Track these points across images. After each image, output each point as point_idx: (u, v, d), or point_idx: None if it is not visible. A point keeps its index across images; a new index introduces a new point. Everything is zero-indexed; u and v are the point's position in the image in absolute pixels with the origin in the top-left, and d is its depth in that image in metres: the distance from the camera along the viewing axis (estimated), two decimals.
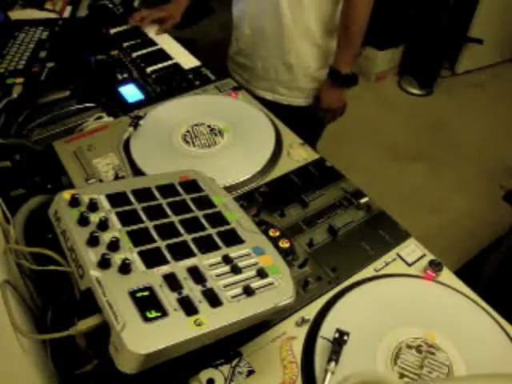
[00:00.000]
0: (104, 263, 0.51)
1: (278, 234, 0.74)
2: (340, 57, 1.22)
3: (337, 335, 0.59)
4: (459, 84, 2.91)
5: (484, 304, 0.67)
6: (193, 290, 0.51)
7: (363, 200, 0.81)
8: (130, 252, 0.54)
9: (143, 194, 0.64)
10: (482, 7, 2.62)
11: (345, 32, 1.19)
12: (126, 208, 0.61)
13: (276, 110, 1.03)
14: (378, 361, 0.60)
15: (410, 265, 0.72)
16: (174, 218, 0.62)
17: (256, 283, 0.54)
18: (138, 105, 1.03)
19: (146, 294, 0.50)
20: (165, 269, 0.53)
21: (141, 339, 0.45)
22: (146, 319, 0.47)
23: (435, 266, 0.70)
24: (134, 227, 0.58)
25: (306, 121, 1.32)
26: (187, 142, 0.90)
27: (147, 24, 1.33)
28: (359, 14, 1.16)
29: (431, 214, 2.08)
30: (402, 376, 0.58)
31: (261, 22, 1.23)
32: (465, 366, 0.59)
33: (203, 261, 0.56)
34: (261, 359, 0.60)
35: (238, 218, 0.65)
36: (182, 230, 0.60)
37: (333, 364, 0.57)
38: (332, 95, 1.28)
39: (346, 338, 0.59)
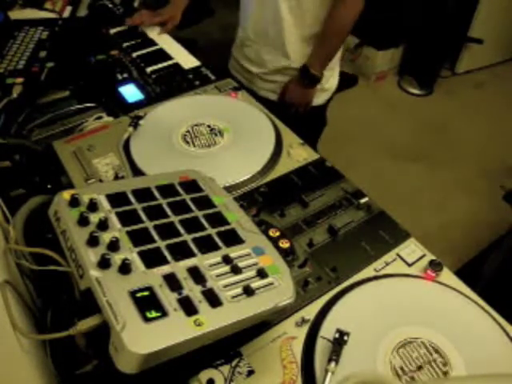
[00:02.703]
0: (104, 263, 0.51)
1: (278, 234, 0.74)
2: (313, 57, 1.24)
3: (337, 335, 0.59)
4: (459, 84, 2.91)
5: (484, 304, 0.67)
6: (193, 290, 0.51)
7: (363, 200, 0.81)
8: (129, 252, 0.54)
9: (143, 194, 0.64)
10: (482, 7, 2.62)
11: (325, 35, 1.20)
12: (126, 208, 0.61)
13: (279, 109, 1.03)
14: (377, 361, 0.60)
15: (410, 265, 0.72)
16: (174, 218, 0.62)
17: (256, 283, 0.54)
18: (138, 105, 1.03)
19: (146, 294, 0.50)
20: (165, 269, 0.53)
21: (141, 339, 0.45)
22: (146, 319, 0.47)
23: (435, 266, 0.70)
24: (134, 227, 0.58)
25: (307, 120, 1.33)
26: (187, 142, 0.90)
27: (147, 27, 1.33)
28: (342, 23, 1.18)
29: (431, 213, 2.08)
30: (400, 375, 0.58)
31: (263, 26, 1.24)
32: (465, 366, 0.59)
33: (203, 261, 0.56)
34: (261, 359, 0.60)
35: (238, 218, 0.65)
36: (182, 230, 0.60)
37: (333, 364, 0.57)
38: (296, 91, 1.29)
39: (346, 338, 0.59)
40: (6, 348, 0.51)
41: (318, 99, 1.35)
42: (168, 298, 0.50)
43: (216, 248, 0.59)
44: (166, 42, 1.28)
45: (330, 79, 1.34)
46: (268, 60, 1.29)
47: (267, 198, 0.82)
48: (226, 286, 0.53)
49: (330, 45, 1.23)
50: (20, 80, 1.04)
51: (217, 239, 0.60)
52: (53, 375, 0.61)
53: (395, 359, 0.60)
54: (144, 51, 1.23)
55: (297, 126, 0.99)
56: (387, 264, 0.72)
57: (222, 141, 0.91)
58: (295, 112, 1.32)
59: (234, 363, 0.60)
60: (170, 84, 1.11)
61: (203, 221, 0.63)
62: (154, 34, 1.32)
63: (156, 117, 0.96)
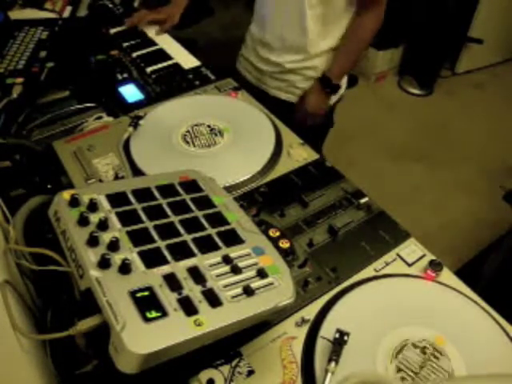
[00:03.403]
0: (104, 263, 0.51)
1: (278, 234, 0.74)
2: (336, 67, 1.24)
3: (337, 335, 0.59)
4: (459, 84, 2.91)
5: (484, 304, 0.67)
6: (193, 290, 0.51)
7: (363, 200, 0.81)
8: (129, 252, 0.54)
9: (143, 194, 0.64)
10: (482, 7, 2.62)
11: (347, 45, 1.21)
12: (126, 208, 0.61)
13: (288, 109, 1.03)
14: (377, 361, 0.60)
15: (410, 265, 0.72)
16: (174, 218, 0.62)
17: (256, 283, 0.54)
18: (138, 105, 1.03)
19: (146, 294, 0.50)
20: (165, 269, 0.53)
21: (141, 339, 0.45)
22: (146, 319, 0.47)
23: (435, 266, 0.70)
24: (134, 227, 0.58)
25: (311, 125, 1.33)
26: (187, 142, 0.90)
27: (144, 25, 1.33)
28: (364, 38, 1.20)
29: (431, 214, 2.08)
30: (400, 376, 0.58)
31: (283, 31, 1.22)
32: (465, 366, 0.59)
33: (203, 261, 0.56)
34: (261, 359, 0.60)
35: (238, 218, 0.65)
36: (182, 230, 0.60)
37: (333, 364, 0.57)
38: (318, 101, 1.29)
39: (346, 338, 0.59)
40: (6, 348, 0.51)
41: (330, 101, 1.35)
42: (168, 298, 0.49)
43: (216, 248, 0.59)
44: (165, 42, 1.28)
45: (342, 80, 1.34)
46: (285, 61, 1.27)
47: (267, 198, 0.82)
48: (225, 286, 0.53)
49: (353, 55, 1.23)
50: (20, 80, 1.04)
51: (217, 239, 0.60)
52: (53, 375, 0.61)
53: (395, 359, 0.60)
54: (144, 51, 1.23)
55: (303, 128, 0.98)
56: (387, 264, 0.72)
57: (222, 141, 0.91)
58: (313, 121, 1.32)
59: (234, 363, 0.60)
60: (169, 84, 1.11)
61: (203, 221, 0.63)
62: (153, 33, 1.32)
63: (156, 117, 0.96)
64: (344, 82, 1.37)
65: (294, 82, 1.30)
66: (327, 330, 0.61)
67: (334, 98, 1.36)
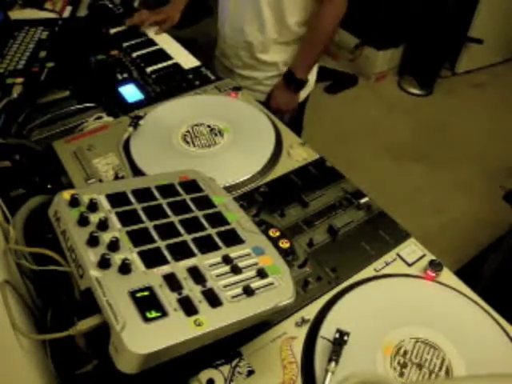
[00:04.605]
0: (104, 263, 0.51)
1: (278, 234, 0.74)
2: (299, 62, 1.24)
3: (337, 335, 0.59)
4: (459, 84, 2.91)
5: (484, 304, 0.67)
6: (193, 290, 0.51)
7: (363, 200, 0.81)
8: (129, 252, 0.54)
9: (143, 194, 0.64)
10: (482, 7, 2.62)
11: (309, 40, 1.21)
12: (126, 208, 0.61)
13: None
14: (377, 361, 0.60)
15: (410, 265, 0.72)
16: (174, 218, 0.62)
17: (256, 283, 0.54)
18: (138, 105, 1.03)
19: (146, 294, 0.50)
20: (165, 269, 0.53)
21: (141, 339, 0.45)
22: (146, 319, 0.47)
23: (435, 266, 0.70)
24: (134, 227, 0.58)
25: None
26: (187, 142, 0.90)
27: (146, 27, 1.33)
28: (326, 28, 1.19)
29: (431, 214, 2.07)
30: (400, 375, 0.58)
31: (241, 22, 1.24)
32: (465, 366, 0.59)
33: (203, 261, 0.56)
34: (261, 359, 0.60)
35: (238, 218, 0.65)
36: (182, 230, 0.60)
37: (333, 364, 0.57)
38: (282, 97, 1.29)
39: (346, 338, 0.59)
40: (6, 348, 0.51)
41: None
42: (168, 298, 0.49)
43: (216, 248, 0.59)
44: (165, 42, 1.28)
45: (309, 76, 1.34)
46: (244, 55, 1.29)
47: (267, 198, 0.82)
48: (225, 286, 0.53)
49: (315, 49, 1.23)
50: (20, 80, 1.04)
51: (217, 239, 0.60)
52: (53, 375, 0.61)
53: (395, 359, 0.60)
54: (144, 51, 1.24)
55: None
56: (387, 264, 0.72)
57: (222, 141, 0.91)
58: (281, 118, 1.32)
59: (234, 363, 0.60)
60: (169, 84, 1.11)
61: (203, 221, 0.63)
62: (153, 33, 1.32)
63: (156, 117, 0.96)
64: (312, 78, 1.36)
65: (259, 80, 1.30)
66: (327, 330, 0.61)
67: (303, 94, 1.35)
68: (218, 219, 0.64)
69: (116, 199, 0.62)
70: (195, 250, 0.57)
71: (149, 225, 0.59)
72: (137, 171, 0.83)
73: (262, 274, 0.56)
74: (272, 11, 1.18)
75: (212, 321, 0.49)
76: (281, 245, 0.72)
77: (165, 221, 0.61)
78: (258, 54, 1.27)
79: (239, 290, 0.53)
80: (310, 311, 0.66)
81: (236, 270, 0.55)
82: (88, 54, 1.18)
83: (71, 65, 1.14)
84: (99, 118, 0.98)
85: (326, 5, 1.15)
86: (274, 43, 1.24)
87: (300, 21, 1.21)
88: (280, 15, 1.19)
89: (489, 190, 2.18)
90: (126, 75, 1.14)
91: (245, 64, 1.31)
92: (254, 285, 0.54)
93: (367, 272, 0.71)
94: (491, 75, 2.97)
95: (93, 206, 0.59)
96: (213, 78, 1.13)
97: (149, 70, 1.16)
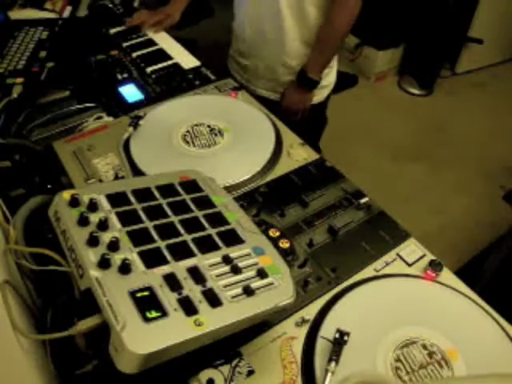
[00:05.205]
0: (104, 263, 0.51)
1: (278, 234, 0.74)
2: (311, 61, 1.24)
3: (337, 335, 0.59)
4: (459, 84, 2.91)
5: (484, 304, 0.67)
6: (193, 290, 0.51)
7: (363, 200, 0.81)
8: (129, 252, 0.54)
9: (143, 194, 0.64)
10: (482, 7, 2.62)
11: (322, 40, 1.21)
12: (126, 208, 0.61)
13: (277, 108, 1.03)
14: (377, 361, 0.60)
15: (410, 265, 0.72)
16: (174, 218, 0.62)
17: (256, 283, 0.54)
18: (138, 105, 1.03)
19: (145, 294, 0.50)
20: (165, 269, 0.53)
21: (141, 339, 0.45)
22: (146, 319, 0.47)
23: (435, 266, 0.70)
24: (134, 227, 0.58)
25: (307, 120, 1.33)
26: (187, 142, 0.90)
27: (147, 28, 1.33)
28: (339, 28, 1.19)
29: (431, 214, 2.07)
30: (401, 375, 0.58)
31: (261, 24, 1.24)
32: (465, 366, 0.59)
33: (203, 261, 0.56)
34: (261, 359, 0.60)
35: (238, 218, 0.65)
36: (182, 230, 0.60)
37: (333, 364, 0.57)
38: (294, 96, 1.29)
39: (346, 338, 0.59)
40: (6, 348, 0.51)
41: (317, 96, 1.35)
42: (168, 298, 0.49)
43: (216, 248, 0.59)
44: (165, 42, 1.28)
45: (328, 76, 1.34)
46: (265, 57, 1.28)
47: (267, 198, 0.82)
48: (226, 286, 0.53)
49: (329, 49, 1.23)
50: (20, 80, 1.04)
51: (217, 239, 0.60)
52: (53, 375, 0.61)
53: (395, 359, 0.60)
54: (144, 51, 1.23)
55: (298, 125, 0.98)
56: (387, 264, 0.72)
57: (221, 141, 0.91)
58: (294, 117, 1.32)
59: (234, 363, 0.60)
60: (169, 84, 1.11)
61: (203, 221, 0.63)
62: (153, 33, 1.32)
63: (156, 117, 0.96)
64: (332, 78, 1.36)
65: (279, 82, 1.30)
66: (327, 330, 0.61)
67: (323, 93, 1.35)
68: (217, 219, 0.64)
69: (116, 199, 0.62)
70: (195, 250, 0.57)
71: (149, 225, 0.59)
72: (137, 171, 0.83)
73: (261, 274, 0.56)
74: (292, 11, 1.18)
75: (212, 321, 0.49)
76: (281, 245, 0.72)
77: (165, 221, 0.61)
78: (279, 56, 1.26)
79: (239, 290, 0.53)
80: (310, 311, 0.66)
81: (236, 270, 0.55)
82: (88, 54, 1.18)
83: (71, 65, 1.14)
84: (99, 117, 0.98)
85: (339, 4, 1.15)
86: (293, 44, 1.23)
87: (320, 21, 1.20)
88: (300, 15, 1.18)
89: (489, 190, 2.18)
90: (126, 75, 1.14)
91: (265, 65, 1.30)
92: (254, 285, 0.54)
93: (367, 272, 0.71)
94: (491, 75, 2.97)
95: (93, 206, 0.59)
96: (213, 78, 1.13)
97: (149, 69, 1.16)
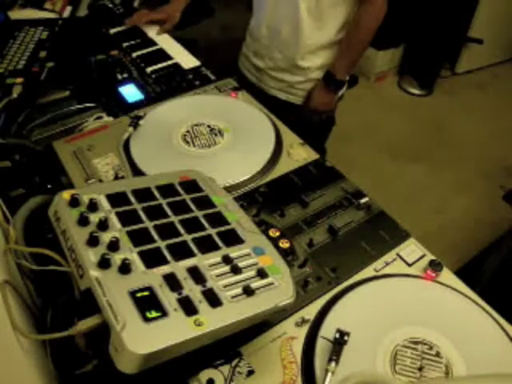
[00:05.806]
0: (104, 263, 0.51)
1: (278, 234, 0.74)
2: (339, 63, 1.24)
3: (337, 335, 0.59)
4: (459, 84, 2.91)
5: (484, 304, 0.67)
6: (193, 290, 0.51)
7: (363, 200, 0.81)
8: (129, 252, 0.54)
9: (143, 194, 0.64)
10: (482, 7, 2.62)
11: (349, 42, 1.21)
12: (126, 208, 0.61)
13: (289, 109, 1.03)
14: (377, 361, 0.60)
15: (410, 265, 0.72)
16: (174, 218, 0.62)
17: (256, 283, 0.54)
18: (138, 105, 1.03)
19: (145, 294, 0.50)
20: (165, 269, 0.53)
21: (141, 339, 0.45)
22: (146, 319, 0.47)
23: (435, 266, 0.70)
24: (134, 227, 0.58)
25: (320, 121, 1.33)
26: (187, 142, 0.90)
27: (143, 24, 1.33)
28: (366, 28, 1.19)
29: (431, 214, 2.07)
30: (400, 375, 0.58)
31: (278, 24, 1.23)
32: (465, 366, 0.59)
33: (203, 261, 0.56)
34: (261, 359, 0.60)
35: (238, 218, 0.65)
36: (181, 230, 0.60)
37: (333, 364, 0.57)
38: (322, 98, 1.29)
39: (346, 338, 0.59)
40: (6, 348, 0.51)
41: None
42: (168, 298, 0.50)
43: (216, 248, 0.59)
44: (165, 42, 1.28)
45: None
46: (279, 58, 1.28)
47: (267, 198, 0.82)
48: (225, 286, 0.53)
49: (355, 50, 1.23)
50: (20, 80, 1.04)
51: (217, 239, 0.60)
52: (53, 375, 0.61)
53: (395, 359, 0.60)
54: (144, 51, 1.23)
55: (307, 126, 0.98)
56: (387, 264, 0.72)
57: (221, 141, 0.91)
58: (319, 118, 1.32)
59: (234, 363, 0.60)
60: (169, 84, 1.11)
61: (203, 221, 0.63)
62: (153, 33, 1.32)
63: (156, 117, 0.96)
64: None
65: (291, 83, 1.30)
66: (327, 330, 0.61)
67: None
68: (217, 219, 0.64)
69: (116, 199, 0.62)
70: (195, 250, 0.57)
71: (149, 225, 0.59)
72: (137, 171, 0.83)
73: (261, 274, 0.56)
74: (310, 15, 1.17)
75: (212, 321, 0.49)
76: (281, 245, 0.72)
77: (165, 221, 0.61)
78: (293, 57, 1.26)
79: (239, 290, 0.53)
80: (310, 311, 0.66)
81: (236, 270, 0.55)
82: (88, 54, 1.18)
83: (71, 65, 1.14)
84: (99, 117, 0.98)
85: (366, 5, 1.15)
86: (309, 47, 1.23)
87: (337, 26, 1.20)
88: (318, 19, 1.18)
89: (488, 190, 2.18)
90: (125, 75, 1.14)
91: (278, 66, 1.30)
92: (253, 285, 0.54)
93: (367, 272, 0.71)
94: (491, 75, 2.97)
95: (93, 206, 0.59)
96: (213, 78, 1.13)
97: (149, 69, 1.16)
